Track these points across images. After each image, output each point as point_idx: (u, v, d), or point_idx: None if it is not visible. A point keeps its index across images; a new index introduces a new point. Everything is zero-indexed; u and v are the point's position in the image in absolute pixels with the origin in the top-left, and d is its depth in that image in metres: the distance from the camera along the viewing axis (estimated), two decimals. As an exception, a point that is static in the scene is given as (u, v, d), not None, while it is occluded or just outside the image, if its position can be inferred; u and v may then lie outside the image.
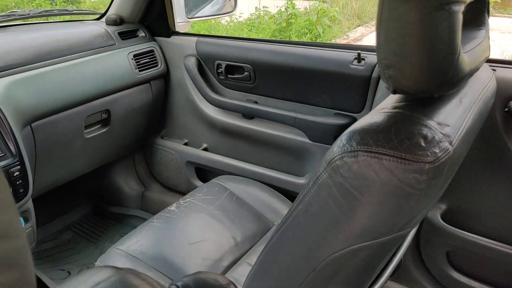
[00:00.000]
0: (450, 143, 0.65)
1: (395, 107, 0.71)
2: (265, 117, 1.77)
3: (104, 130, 1.87)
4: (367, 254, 0.71)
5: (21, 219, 1.45)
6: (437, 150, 0.62)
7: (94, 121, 1.81)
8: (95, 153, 1.91)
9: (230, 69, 1.85)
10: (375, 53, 0.68)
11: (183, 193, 2.18)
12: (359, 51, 1.53)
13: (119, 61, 1.85)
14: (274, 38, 6.34)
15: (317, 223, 0.71)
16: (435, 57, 0.62)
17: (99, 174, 2.28)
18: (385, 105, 0.75)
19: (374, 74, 1.51)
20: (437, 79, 0.65)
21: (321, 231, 0.70)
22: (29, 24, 1.93)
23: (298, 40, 4.67)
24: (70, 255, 2.03)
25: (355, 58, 1.53)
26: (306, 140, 1.71)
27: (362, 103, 1.59)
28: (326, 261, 0.72)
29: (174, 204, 1.56)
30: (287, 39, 6.04)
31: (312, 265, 0.74)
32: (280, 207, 1.62)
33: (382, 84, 1.51)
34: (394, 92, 0.69)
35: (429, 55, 0.62)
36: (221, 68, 1.85)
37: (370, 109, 1.39)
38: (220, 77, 1.89)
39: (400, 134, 0.63)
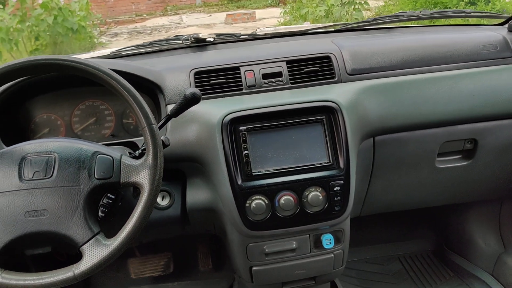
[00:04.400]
0: None
1: None
2: None
3: (465, 163, 1.46)
4: None
5: (332, 238, 1.30)
6: None
7: (452, 149, 1.43)
8: (446, 187, 1.53)
9: None
10: None
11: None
12: None
13: (510, 80, 1.37)
14: None
15: None
16: None
17: (448, 212, 1.87)
18: None
19: None
20: None
21: None
22: (416, 27, 1.72)
23: None
24: (388, 290, 1.78)
25: None
26: None
27: None
28: None
29: None
30: None
31: None
32: None
33: None
34: None
35: None
36: None
37: None
38: None
39: None
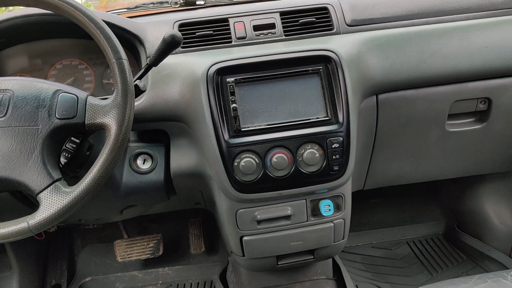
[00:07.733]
0: None
1: None
2: None
3: (478, 126, 1.33)
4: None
5: (331, 204, 1.17)
6: None
7: (464, 110, 1.30)
8: (457, 155, 1.40)
9: None
10: None
11: None
12: None
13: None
14: None
15: None
16: None
17: (459, 190, 1.73)
18: None
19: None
20: None
21: None
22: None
23: None
24: (395, 274, 1.63)
25: None
26: None
27: None
28: None
29: None
30: None
31: None
32: None
33: None
34: None
35: None
36: None
37: None
38: None
39: None
